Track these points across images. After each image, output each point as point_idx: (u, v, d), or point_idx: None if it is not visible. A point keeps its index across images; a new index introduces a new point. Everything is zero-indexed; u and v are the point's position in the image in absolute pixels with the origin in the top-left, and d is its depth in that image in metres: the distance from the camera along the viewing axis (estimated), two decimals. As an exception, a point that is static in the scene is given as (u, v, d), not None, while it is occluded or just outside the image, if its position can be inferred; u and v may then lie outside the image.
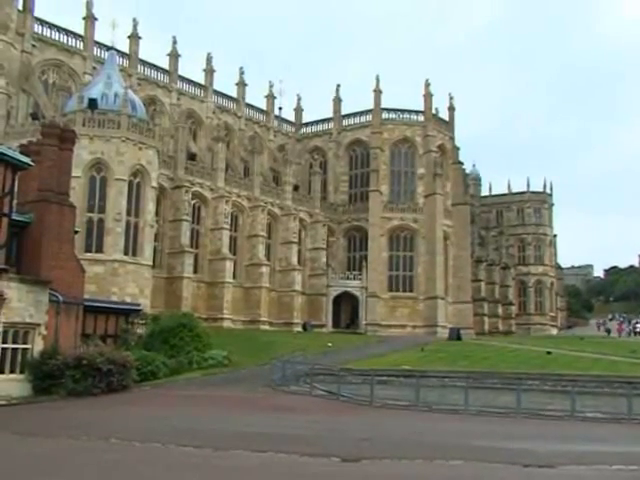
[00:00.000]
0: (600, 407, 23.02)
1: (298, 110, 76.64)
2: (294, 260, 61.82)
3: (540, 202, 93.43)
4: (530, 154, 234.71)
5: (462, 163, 75.24)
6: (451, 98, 73.04)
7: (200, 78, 65.78)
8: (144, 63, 60.55)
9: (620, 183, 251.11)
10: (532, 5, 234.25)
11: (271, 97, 72.61)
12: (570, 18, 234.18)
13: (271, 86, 72.59)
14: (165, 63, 62.66)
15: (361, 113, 71.72)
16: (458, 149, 74.06)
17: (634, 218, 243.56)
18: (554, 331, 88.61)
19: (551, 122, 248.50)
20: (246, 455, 14.10)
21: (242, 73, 69.28)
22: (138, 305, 39.45)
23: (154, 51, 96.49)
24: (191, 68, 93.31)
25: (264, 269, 58.57)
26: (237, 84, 69.36)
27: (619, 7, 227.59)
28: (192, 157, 60.89)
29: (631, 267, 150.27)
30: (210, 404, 23.91)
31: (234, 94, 69.14)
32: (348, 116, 72.66)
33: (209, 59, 65.93)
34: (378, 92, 69.10)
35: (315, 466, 13.35)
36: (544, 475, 13.10)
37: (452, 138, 72.88)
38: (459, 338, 55.17)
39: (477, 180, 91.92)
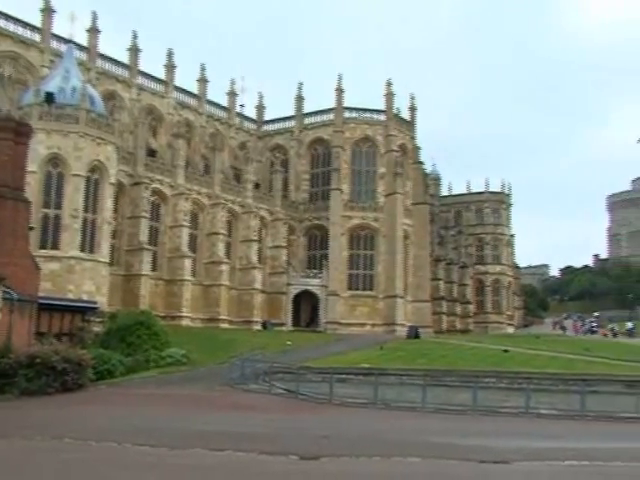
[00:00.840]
0: (555, 404, 23.43)
1: (260, 108, 76.37)
2: (254, 258, 61.64)
3: (498, 202, 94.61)
4: (489, 155, 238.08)
5: (422, 163, 75.86)
6: (412, 98, 73.64)
7: (161, 74, 65.10)
8: (103, 57, 59.62)
9: (576, 185, 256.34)
10: (492, 9, 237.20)
11: (233, 94, 72.20)
12: (529, 21, 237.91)
13: (233, 83, 72.25)
14: (125, 58, 61.79)
15: (323, 112, 71.75)
16: (419, 149, 74.65)
17: (589, 219, 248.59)
18: (511, 329, 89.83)
19: (511, 124, 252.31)
20: (203, 454, 14.00)
21: (203, 69, 68.81)
22: (95, 303, 38.98)
23: (114, 45, 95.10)
24: (152, 63, 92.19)
25: (224, 267, 58.29)
26: (198, 80, 68.80)
27: (574, 13, 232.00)
28: (152, 153, 60.26)
29: (586, 267, 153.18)
30: (168, 403, 23.69)
31: (195, 90, 68.60)
32: (310, 114, 72.64)
33: (170, 55, 65.24)
34: (340, 91, 69.23)
35: (273, 464, 13.33)
36: (499, 471, 13.28)
37: (413, 138, 73.39)
38: (417, 336, 55.62)
39: (437, 180, 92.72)
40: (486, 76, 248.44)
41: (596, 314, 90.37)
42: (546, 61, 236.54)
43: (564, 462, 13.90)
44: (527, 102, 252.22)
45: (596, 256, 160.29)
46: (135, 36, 62.11)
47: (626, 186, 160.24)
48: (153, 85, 64.19)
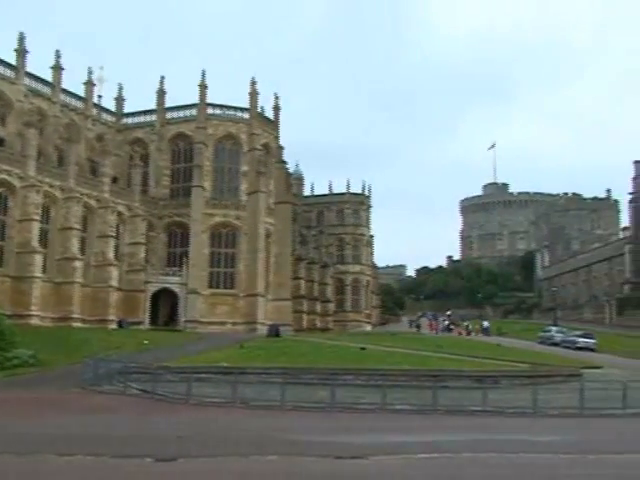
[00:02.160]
0: (408, 399, 24.21)
1: (119, 99, 73.72)
2: (111, 255, 59.52)
3: (359, 204, 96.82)
4: (351, 157, 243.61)
5: (286, 162, 76.27)
6: (277, 98, 73.77)
7: (11, 58, 61.32)
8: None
9: (433, 190, 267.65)
10: (358, 17, 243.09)
11: (90, 84, 69.22)
12: (395, 33, 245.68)
13: (90, 72, 69.20)
14: (-29, 39, 57.80)
15: (186, 107, 70.35)
16: (282, 148, 74.98)
17: (444, 222, 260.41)
18: (369, 328, 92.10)
19: (372, 128, 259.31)
20: (52, 459, 13.34)
21: (59, 57, 65.25)
22: None
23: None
24: (3, 49, 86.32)
25: (78, 264, 55.86)
26: (53, 68, 65.30)
27: (425, 29, 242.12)
28: (0, 142, 56.76)
29: (440, 267, 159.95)
30: (15, 407, 22.38)
31: (50, 78, 65.16)
32: (172, 109, 70.99)
33: (22, 39, 61.53)
34: (203, 87, 68.21)
35: (127, 467, 12.91)
36: (355, 466, 13.51)
37: (277, 137, 73.59)
38: (278, 335, 55.77)
39: (300, 180, 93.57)
40: (349, 83, 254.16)
41: (448, 312, 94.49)
42: (406, 72, 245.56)
43: (417, 455, 14.37)
44: (386, 110, 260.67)
45: (449, 257, 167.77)
46: (-16, 17, 58.26)
47: (478, 191, 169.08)
48: (2, 70, 60.34)
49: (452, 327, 76.63)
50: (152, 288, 62.74)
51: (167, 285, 63.52)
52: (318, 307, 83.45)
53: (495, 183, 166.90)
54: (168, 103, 71.05)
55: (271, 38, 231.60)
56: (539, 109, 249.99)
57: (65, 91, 66.44)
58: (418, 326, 78.95)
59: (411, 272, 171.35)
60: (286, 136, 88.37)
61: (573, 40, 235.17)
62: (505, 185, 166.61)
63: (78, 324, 54.13)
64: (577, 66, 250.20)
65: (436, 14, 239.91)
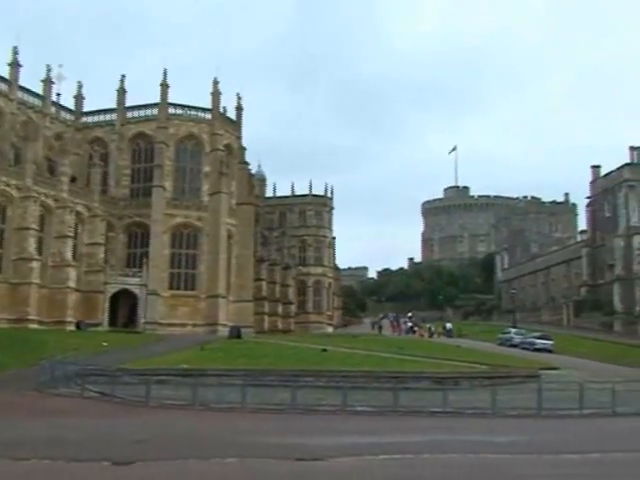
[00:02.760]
0: (369, 401, 24.27)
1: (79, 98, 72.56)
2: (69, 255, 58.51)
3: (321, 205, 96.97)
4: (314, 159, 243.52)
5: (248, 163, 75.93)
6: (239, 98, 73.42)
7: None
8: None
9: (396, 194, 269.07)
10: (321, 17, 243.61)
11: (48, 82, 68.01)
12: (361, 36, 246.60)
13: (49, 70, 67.98)
14: None
15: (147, 106, 69.58)
16: (244, 149, 74.64)
17: (407, 225, 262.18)
18: (330, 329, 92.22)
19: (334, 131, 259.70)
20: (6, 463, 13.00)
21: (16, 53, 63.89)
22: None
23: None
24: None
25: (34, 264, 54.80)
26: (9, 64, 64.00)
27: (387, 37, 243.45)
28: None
29: (401, 269, 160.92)
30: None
31: (7, 75, 63.83)
32: (133, 108, 70.13)
33: (-22, 34, 60.39)
34: (165, 86, 67.55)
35: (83, 471, 12.68)
36: (315, 468, 13.48)
37: (239, 138, 73.27)
38: (239, 336, 55.52)
39: (262, 181, 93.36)
40: (314, 85, 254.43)
41: (409, 314, 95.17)
42: (370, 76, 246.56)
43: (378, 456, 14.39)
44: (349, 113, 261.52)
45: (411, 259, 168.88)
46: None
47: (440, 194, 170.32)
48: (-44, 66, 58.97)
49: (415, 329, 77.11)
50: (111, 289, 61.88)
51: (127, 286, 62.72)
52: (280, 309, 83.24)
53: (456, 186, 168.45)
54: (129, 102, 70.30)
55: (235, 39, 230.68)
56: (499, 114, 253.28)
57: (22, 88, 65.16)
58: (380, 328, 79.33)
59: (373, 274, 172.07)
60: (249, 137, 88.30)
61: (532, 48, 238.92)
62: (466, 188, 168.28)
63: (35, 326, 53.12)
64: (536, 73, 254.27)
65: (400, 20, 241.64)
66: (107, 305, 61.57)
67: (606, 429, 21.21)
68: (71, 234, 59.17)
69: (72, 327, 56.24)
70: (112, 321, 61.81)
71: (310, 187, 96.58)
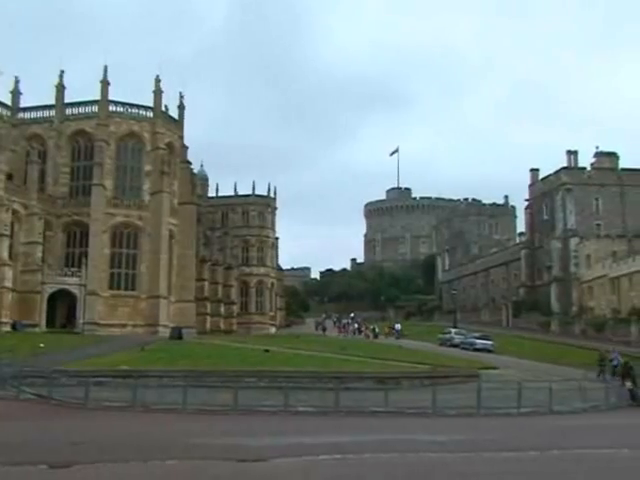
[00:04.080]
0: (311, 401, 24.31)
1: (15, 93, 70.68)
2: (4, 255, 56.96)
3: (264, 206, 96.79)
4: (256, 159, 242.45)
5: (190, 163, 75.24)
6: (181, 97, 72.71)
7: None
8: None
9: (339, 195, 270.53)
10: (263, 17, 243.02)
11: (-16, 76, 66.21)
12: (299, 37, 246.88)
13: (-15, 64, 66.22)
14: None
15: (87, 103, 68.27)
16: (186, 148, 73.94)
17: (350, 226, 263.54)
18: (273, 330, 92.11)
19: (276, 132, 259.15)
20: None
21: (-50, 46, 62.27)
22: None
23: None
24: None
25: (-31, 263, 53.31)
26: (-56, 57, 62.22)
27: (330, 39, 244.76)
28: None
29: (344, 270, 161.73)
30: None
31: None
32: (72, 105, 68.70)
33: None
34: (105, 83, 66.44)
35: (18, 475, 12.32)
36: (257, 468, 13.43)
37: (181, 137, 72.53)
38: (181, 337, 54.96)
39: (204, 180, 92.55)
40: (254, 85, 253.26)
41: (352, 315, 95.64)
42: (310, 77, 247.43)
43: (319, 456, 14.41)
44: (292, 114, 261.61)
45: (353, 260, 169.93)
46: None
47: (382, 195, 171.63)
48: None
49: (362, 330, 77.47)
50: (49, 289, 60.54)
51: (65, 286, 61.44)
52: (222, 309, 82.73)
53: (398, 188, 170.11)
54: (68, 99, 68.86)
55: (177, 38, 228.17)
56: (441, 118, 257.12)
57: (-43, 83, 63.24)
58: (324, 329, 79.46)
59: (316, 274, 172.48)
60: (190, 136, 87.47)
61: (469, 54, 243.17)
62: (408, 190, 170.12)
63: (-33, 327, 51.58)
64: (473, 78, 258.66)
65: (339, 22, 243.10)
66: (44, 305, 60.24)
67: (543, 427, 21.72)
68: (7, 233, 57.69)
69: (8, 328, 54.86)
70: (50, 322, 60.48)
71: (253, 187, 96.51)
